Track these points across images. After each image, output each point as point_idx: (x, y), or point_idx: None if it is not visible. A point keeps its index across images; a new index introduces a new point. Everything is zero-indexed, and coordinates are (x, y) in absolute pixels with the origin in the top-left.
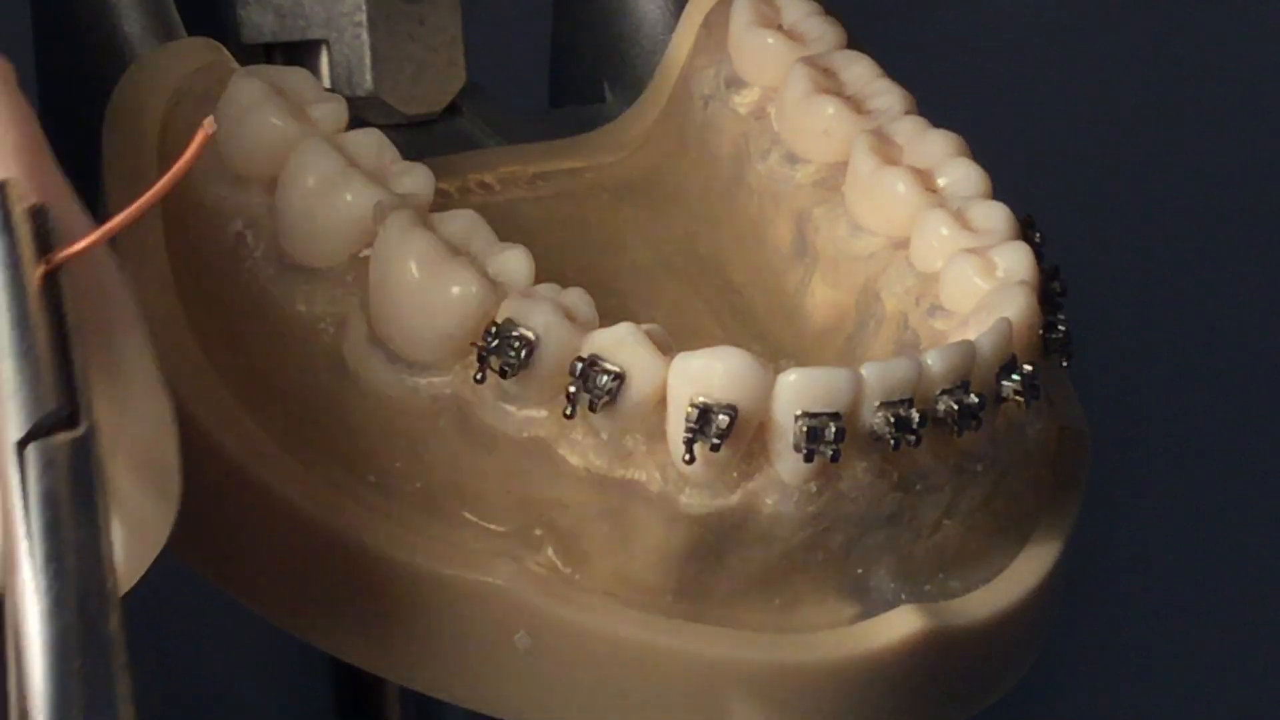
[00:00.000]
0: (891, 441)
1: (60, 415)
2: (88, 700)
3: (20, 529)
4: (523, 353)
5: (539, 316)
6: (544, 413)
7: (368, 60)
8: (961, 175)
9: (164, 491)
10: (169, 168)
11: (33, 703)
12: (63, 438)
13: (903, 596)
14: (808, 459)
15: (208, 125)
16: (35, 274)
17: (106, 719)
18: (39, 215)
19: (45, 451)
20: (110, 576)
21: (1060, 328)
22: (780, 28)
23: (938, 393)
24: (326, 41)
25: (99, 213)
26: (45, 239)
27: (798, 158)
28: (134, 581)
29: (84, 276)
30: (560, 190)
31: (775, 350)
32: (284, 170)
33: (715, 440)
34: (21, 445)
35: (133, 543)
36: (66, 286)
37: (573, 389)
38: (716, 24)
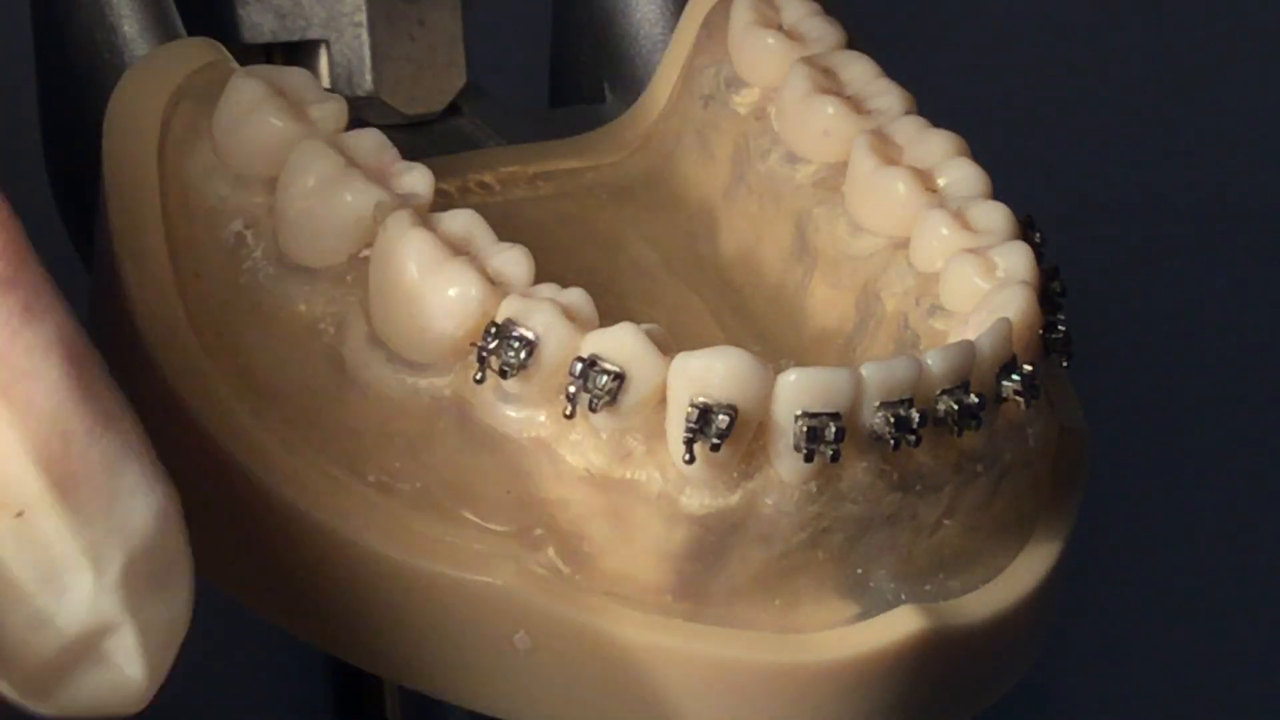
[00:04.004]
0: (891, 441)
1: None
2: None
3: None
4: (523, 353)
5: (539, 316)
6: (544, 413)
7: (368, 60)
8: (961, 175)
9: None
10: (169, 168)
11: None
12: None
13: (903, 596)
14: (808, 459)
15: None
16: None
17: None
18: None
19: None
20: None
21: (1060, 328)
22: (780, 28)
23: (938, 393)
24: (326, 41)
25: (100, 214)
26: None
27: (798, 158)
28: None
29: None
30: (560, 190)
31: (775, 350)
32: (284, 170)
33: (715, 440)
34: None
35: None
36: None
37: (573, 389)
38: (716, 24)
